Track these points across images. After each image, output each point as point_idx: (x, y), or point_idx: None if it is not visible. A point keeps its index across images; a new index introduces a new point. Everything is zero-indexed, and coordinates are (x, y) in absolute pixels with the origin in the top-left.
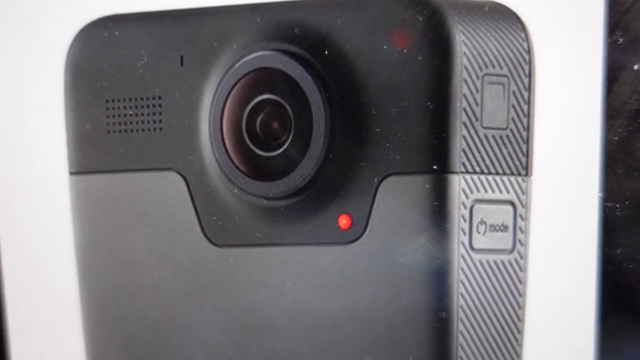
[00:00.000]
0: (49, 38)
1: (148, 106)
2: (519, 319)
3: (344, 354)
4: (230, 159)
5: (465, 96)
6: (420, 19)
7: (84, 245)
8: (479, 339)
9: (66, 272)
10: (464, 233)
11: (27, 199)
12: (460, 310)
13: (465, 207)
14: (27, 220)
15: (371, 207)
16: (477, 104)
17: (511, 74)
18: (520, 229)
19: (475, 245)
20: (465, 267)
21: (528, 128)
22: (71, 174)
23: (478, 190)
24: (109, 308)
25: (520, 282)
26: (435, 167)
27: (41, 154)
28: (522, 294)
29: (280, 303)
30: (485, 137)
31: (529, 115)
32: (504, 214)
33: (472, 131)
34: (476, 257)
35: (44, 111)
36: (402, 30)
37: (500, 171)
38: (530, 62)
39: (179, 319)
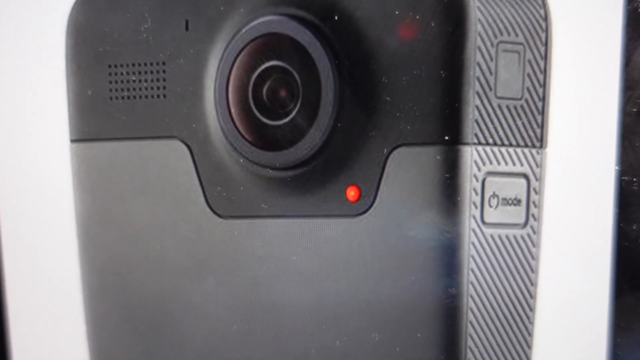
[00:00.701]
0: (50, 1)
1: (152, 72)
2: (531, 296)
3: (350, 330)
4: (236, 127)
5: (479, 64)
6: None
7: (85, 215)
8: (489, 316)
9: (67, 243)
10: (476, 206)
11: (27, 167)
12: (470, 286)
13: (477, 180)
14: (27, 189)
15: (380, 179)
16: (491, 73)
17: (527, 42)
18: (533, 203)
19: (487, 219)
20: (476, 242)
21: (544, 98)
22: (72, 141)
23: (491, 163)
24: (110, 280)
25: (533, 258)
26: (446, 138)
27: (42, 120)
28: (534, 270)
29: (285, 277)
30: (499, 107)
31: (544, 85)
32: (517, 187)
33: (485, 101)
34: (488, 231)
35: (45, 76)
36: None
37: (514, 143)
38: (547, 30)
39: (181, 292)
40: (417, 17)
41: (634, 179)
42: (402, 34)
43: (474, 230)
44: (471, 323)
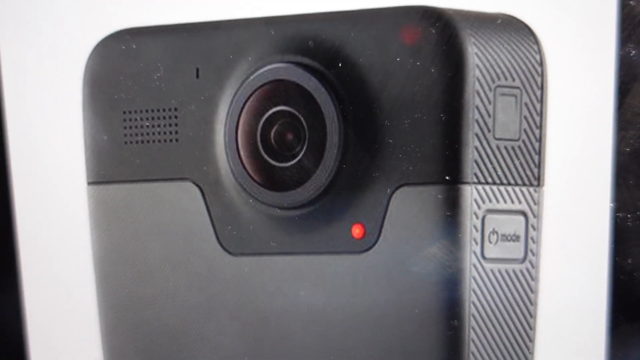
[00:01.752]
0: (67, 51)
1: (164, 117)
2: (531, 328)
3: None
4: (245, 169)
5: (477, 107)
6: (433, 31)
7: (102, 253)
8: (491, 347)
9: (85, 280)
10: (476, 243)
11: (48, 208)
12: (472, 318)
13: (477, 217)
14: (47, 229)
15: (384, 217)
16: (489, 116)
17: (523, 85)
18: (532, 238)
19: (487, 254)
20: (477, 276)
21: (540, 139)
22: (89, 183)
23: (490, 201)
24: (126, 315)
25: (532, 291)
26: (447, 177)
27: (61, 164)
28: (533, 303)
29: (294, 311)
30: (498, 148)
31: (541, 126)
32: (515, 224)
33: (484, 142)
34: (488, 266)
35: (64, 123)
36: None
37: (512, 182)
38: (542, 74)
39: (194, 327)
40: (418, 63)
41: (629, 215)
42: (403, 79)
43: (474, 265)
44: (473, 354)
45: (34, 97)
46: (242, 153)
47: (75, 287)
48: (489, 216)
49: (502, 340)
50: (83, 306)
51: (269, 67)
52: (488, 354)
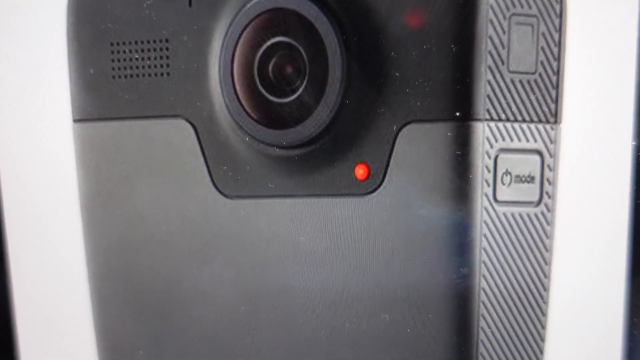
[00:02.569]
0: None
1: (155, 49)
2: (545, 276)
3: (360, 311)
4: (242, 105)
5: (491, 38)
6: None
7: (89, 196)
8: (502, 296)
9: (71, 224)
10: (488, 184)
11: (31, 148)
12: (482, 265)
13: (489, 157)
14: (30, 171)
15: (389, 157)
16: (503, 47)
17: (541, 14)
18: (547, 180)
19: (500, 197)
20: (488, 221)
21: (558, 72)
22: (75, 121)
23: (503, 139)
24: (115, 261)
25: (547, 237)
26: (458, 114)
27: (44, 100)
28: (548, 249)
29: (293, 258)
30: (512, 82)
31: (559, 58)
32: (530, 164)
33: (497, 76)
34: (500, 209)
35: (47, 55)
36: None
37: (527, 118)
38: (561, 2)
39: (186, 274)
40: None
41: None
42: (411, 9)
43: (486, 209)
44: (483, 303)
45: (13, 27)
46: (238, 88)
47: (61, 235)
48: (502, 156)
49: (514, 288)
50: (69, 257)
51: None
52: (499, 303)
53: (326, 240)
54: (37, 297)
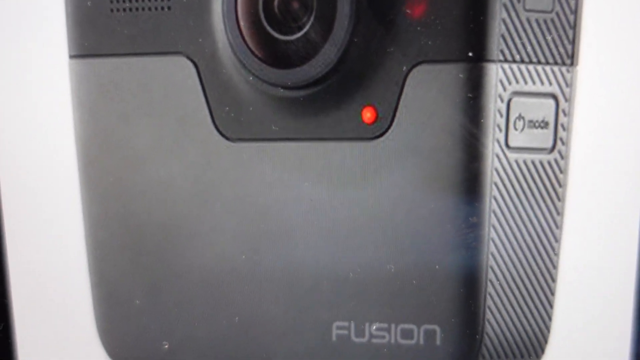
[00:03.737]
0: None
1: None
2: (557, 226)
3: (365, 260)
4: (245, 42)
5: None
6: None
7: (85, 137)
8: (512, 247)
9: (66, 169)
10: (500, 129)
11: (25, 85)
12: (492, 215)
13: (502, 100)
14: (23, 110)
15: (398, 99)
16: None
17: None
18: (562, 125)
19: (512, 142)
20: (499, 168)
21: (576, 11)
22: (71, 57)
23: (517, 82)
24: (112, 207)
25: (560, 185)
26: (470, 54)
27: (38, 35)
28: (561, 199)
29: (297, 204)
30: (528, 21)
31: None
32: (544, 109)
33: (513, 14)
34: (512, 156)
35: None
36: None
37: (542, 60)
38: None
39: (186, 219)
40: None
41: None
42: None
43: (497, 155)
44: (492, 254)
45: None
46: (241, 24)
47: (54, 181)
48: (516, 99)
49: (524, 240)
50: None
51: None
52: (509, 254)
53: (331, 185)
54: (34, 295)
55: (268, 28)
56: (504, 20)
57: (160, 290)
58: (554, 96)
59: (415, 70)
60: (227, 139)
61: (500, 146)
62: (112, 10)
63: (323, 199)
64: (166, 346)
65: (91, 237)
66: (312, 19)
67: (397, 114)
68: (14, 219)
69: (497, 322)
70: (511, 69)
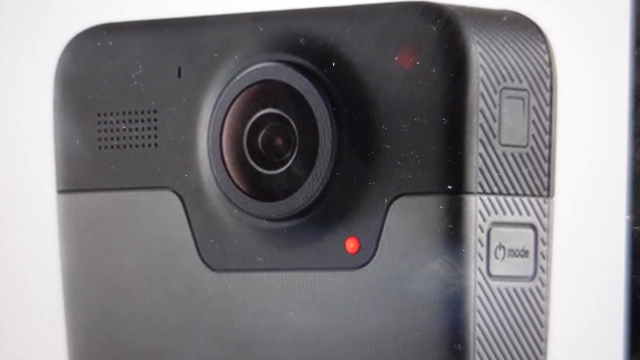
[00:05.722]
0: (38, 48)
1: (143, 120)
2: (541, 352)
3: None
4: (230, 177)
5: (482, 111)
6: (434, 29)
7: (72, 268)
8: None
9: (53, 296)
10: (481, 258)
11: (13, 218)
12: (477, 342)
13: (482, 231)
14: (13, 241)
15: (381, 230)
16: (494, 120)
17: (531, 88)
18: (541, 254)
19: (493, 271)
20: (482, 295)
21: (550, 146)
22: (59, 192)
23: (496, 212)
24: (97, 337)
25: (542, 312)
26: (449, 187)
27: (29, 171)
28: (544, 325)
29: (282, 333)
30: (504, 155)
31: (550, 132)
32: (524, 238)
33: (489, 149)
34: (494, 284)
35: (33, 125)
36: (413, 46)
37: (520, 192)
38: (551, 76)
39: (171, 350)
40: (418, 63)
41: None
42: (402, 80)
43: (479, 283)
44: None
45: (0, 98)
46: (226, 159)
47: (43, 306)
48: (495, 229)
49: None
50: (51, 327)
51: (257, 66)
52: None
53: (316, 315)
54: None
55: (252, 163)
56: (481, 155)
57: None
58: (532, 226)
59: (396, 202)
60: (213, 269)
61: (482, 274)
62: (99, 147)
63: (308, 328)
64: None
65: None
66: (294, 154)
67: (380, 244)
68: None
69: None
70: (490, 201)
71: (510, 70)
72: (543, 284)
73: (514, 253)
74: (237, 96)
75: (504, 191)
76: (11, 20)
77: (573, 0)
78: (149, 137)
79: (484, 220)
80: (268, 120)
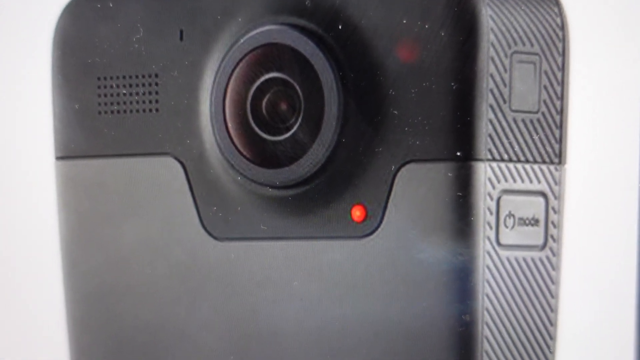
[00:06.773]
0: (35, 11)
1: (143, 85)
2: (551, 323)
3: None
4: (233, 143)
5: (492, 76)
6: None
7: (70, 238)
8: (506, 345)
9: (51, 267)
10: (490, 227)
11: (9, 185)
12: (485, 312)
13: (491, 199)
14: (9, 210)
15: (387, 198)
16: (505, 85)
17: (543, 52)
18: (552, 223)
19: (503, 240)
20: (491, 265)
21: (561, 111)
22: (57, 158)
23: (506, 180)
24: (97, 308)
25: (553, 282)
26: (458, 153)
27: (26, 136)
28: (554, 295)
29: (286, 304)
30: (514, 121)
31: (562, 97)
32: (534, 206)
33: (499, 114)
34: (503, 253)
35: (30, 89)
36: (422, 8)
37: (530, 159)
38: (564, 39)
39: (173, 321)
40: (427, 26)
41: None
42: (410, 44)
43: (488, 253)
44: (487, 353)
45: None
46: (229, 125)
47: (41, 278)
48: (505, 197)
49: (519, 338)
50: (48, 301)
51: (261, 29)
52: (503, 353)
53: (320, 284)
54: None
55: (256, 129)
56: (490, 121)
57: None
58: (543, 194)
59: (403, 170)
60: (215, 238)
61: (492, 244)
62: (99, 113)
63: (313, 298)
64: None
65: (74, 340)
66: (299, 120)
67: (387, 213)
68: None
69: None
70: (499, 168)
71: (521, 33)
72: (554, 254)
73: (524, 222)
74: (240, 60)
75: (514, 158)
76: None
77: None
78: (150, 102)
79: (494, 187)
80: (272, 85)
